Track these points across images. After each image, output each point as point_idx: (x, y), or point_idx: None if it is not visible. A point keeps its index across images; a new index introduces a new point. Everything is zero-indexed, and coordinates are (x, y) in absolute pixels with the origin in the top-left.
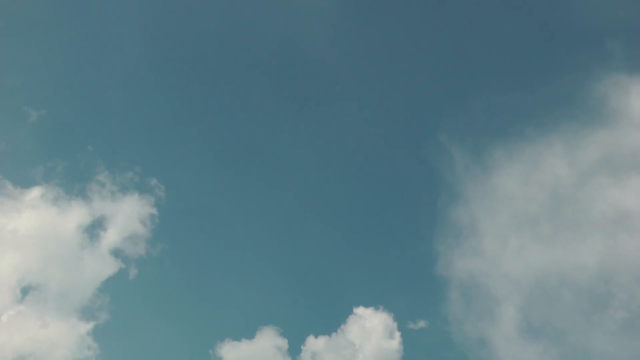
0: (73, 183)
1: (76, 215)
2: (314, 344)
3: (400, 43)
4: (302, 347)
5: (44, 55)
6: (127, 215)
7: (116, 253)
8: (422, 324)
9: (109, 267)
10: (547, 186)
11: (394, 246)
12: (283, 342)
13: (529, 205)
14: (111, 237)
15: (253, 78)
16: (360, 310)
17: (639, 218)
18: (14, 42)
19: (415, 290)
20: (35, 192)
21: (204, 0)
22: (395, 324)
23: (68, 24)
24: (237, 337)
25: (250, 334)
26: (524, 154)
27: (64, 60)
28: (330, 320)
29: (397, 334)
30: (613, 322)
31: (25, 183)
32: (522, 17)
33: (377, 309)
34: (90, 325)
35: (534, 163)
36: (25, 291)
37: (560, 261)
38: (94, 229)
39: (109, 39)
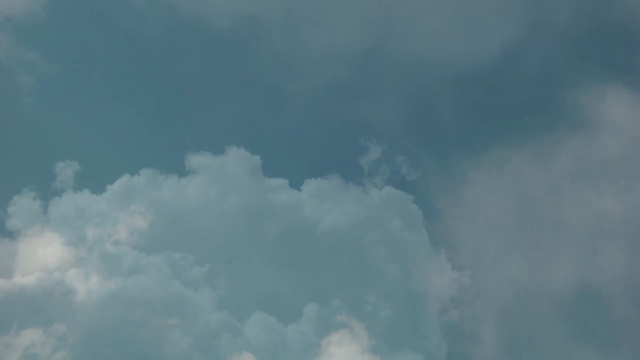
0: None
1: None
2: None
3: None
4: None
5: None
6: None
7: None
8: (404, 340)
9: None
10: (523, 196)
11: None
12: None
13: (505, 217)
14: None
15: None
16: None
17: (618, 226)
18: None
19: (393, 307)
20: None
21: None
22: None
23: None
24: None
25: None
26: (496, 163)
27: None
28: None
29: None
30: (596, 338)
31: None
32: (493, 22)
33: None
34: None
35: (506, 172)
36: None
37: (540, 274)
38: None
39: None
